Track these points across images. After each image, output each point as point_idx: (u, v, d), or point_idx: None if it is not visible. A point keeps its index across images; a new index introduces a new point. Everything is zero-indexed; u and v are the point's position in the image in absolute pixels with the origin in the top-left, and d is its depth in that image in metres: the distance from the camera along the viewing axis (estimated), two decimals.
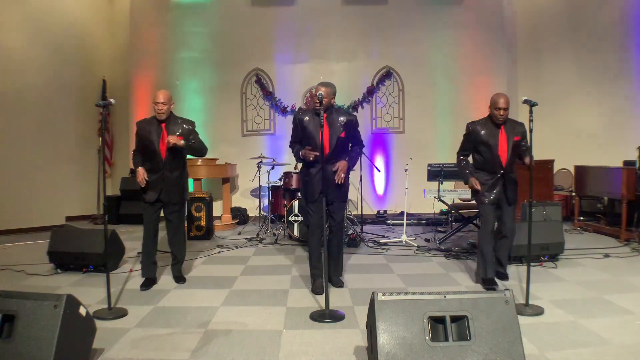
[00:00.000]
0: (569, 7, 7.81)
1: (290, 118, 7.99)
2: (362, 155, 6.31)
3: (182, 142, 3.78)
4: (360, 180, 6.64)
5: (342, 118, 3.76)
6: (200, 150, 3.98)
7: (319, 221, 3.72)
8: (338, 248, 3.94)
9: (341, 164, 3.68)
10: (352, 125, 3.80)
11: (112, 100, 3.52)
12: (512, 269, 4.28)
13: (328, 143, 3.65)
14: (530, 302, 3.20)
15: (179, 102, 8.06)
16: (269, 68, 8.16)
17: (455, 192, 5.86)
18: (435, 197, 5.62)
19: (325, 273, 3.40)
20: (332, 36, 8.08)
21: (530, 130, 3.22)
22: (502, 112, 3.73)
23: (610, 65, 7.37)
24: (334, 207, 3.80)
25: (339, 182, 3.68)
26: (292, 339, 2.77)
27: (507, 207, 3.86)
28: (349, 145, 3.89)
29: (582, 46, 7.67)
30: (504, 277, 3.98)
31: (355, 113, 8.05)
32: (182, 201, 4.02)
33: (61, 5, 7.54)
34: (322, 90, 3.53)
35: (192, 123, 4.02)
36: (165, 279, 4.15)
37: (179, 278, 4.09)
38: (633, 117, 7.15)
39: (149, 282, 3.96)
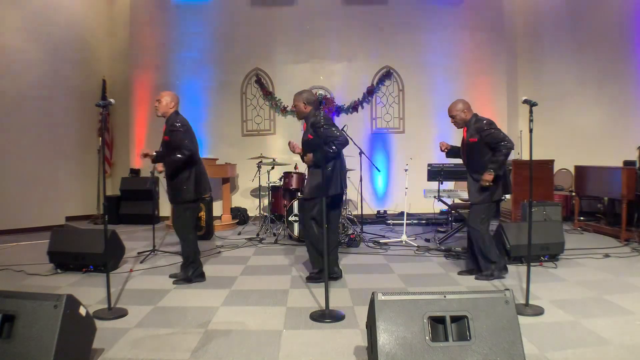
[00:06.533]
0: (569, 7, 7.81)
1: (290, 118, 8.03)
2: (362, 155, 6.38)
3: (151, 154, 3.94)
4: (360, 180, 6.64)
5: (310, 120, 3.97)
6: (173, 161, 3.81)
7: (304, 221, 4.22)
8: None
9: (308, 155, 3.96)
10: (316, 126, 3.84)
11: (112, 100, 3.52)
12: (512, 269, 4.28)
13: (301, 146, 4.05)
14: (530, 302, 3.20)
15: (179, 102, 8.06)
16: (269, 68, 8.16)
17: (455, 192, 5.86)
18: (435, 197, 5.62)
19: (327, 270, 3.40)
20: (332, 36, 8.08)
21: (531, 130, 3.21)
22: (451, 119, 4.04)
23: (610, 65, 7.36)
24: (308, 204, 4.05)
25: (292, 150, 4.01)
26: (292, 339, 2.77)
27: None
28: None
29: (582, 46, 7.67)
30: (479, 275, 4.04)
31: (354, 113, 8.10)
32: (175, 202, 4.01)
33: (61, 5, 7.52)
34: (297, 99, 4.03)
35: (173, 124, 3.89)
36: (165, 278, 4.15)
37: (185, 278, 4.05)
38: (633, 117, 7.14)
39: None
